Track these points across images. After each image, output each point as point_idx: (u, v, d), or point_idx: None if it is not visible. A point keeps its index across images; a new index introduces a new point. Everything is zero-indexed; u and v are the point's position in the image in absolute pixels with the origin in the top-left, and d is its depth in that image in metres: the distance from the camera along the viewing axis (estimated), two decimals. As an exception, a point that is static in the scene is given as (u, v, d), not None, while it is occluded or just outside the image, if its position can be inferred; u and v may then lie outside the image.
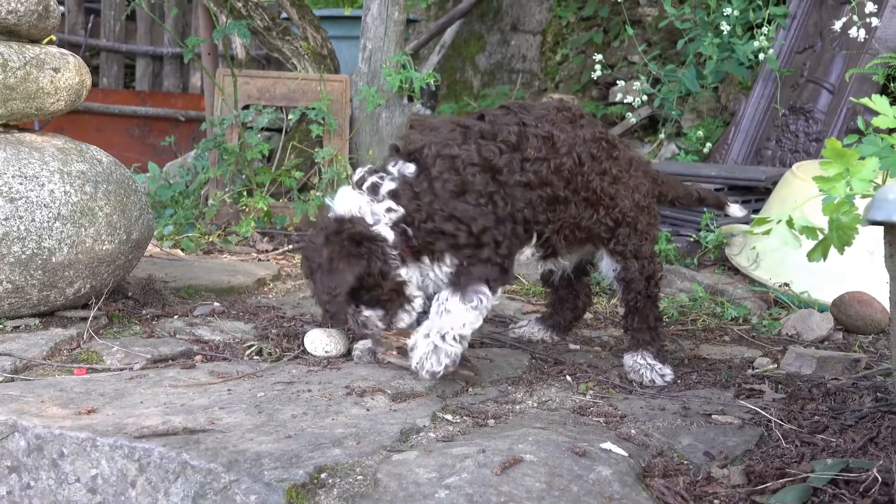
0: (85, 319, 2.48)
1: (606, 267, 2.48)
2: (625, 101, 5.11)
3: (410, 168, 2.17)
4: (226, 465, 1.61)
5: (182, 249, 3.87)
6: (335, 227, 2.15)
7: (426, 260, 2.19)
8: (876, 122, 1.59)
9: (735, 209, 2.83)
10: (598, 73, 5.19)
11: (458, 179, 2.14)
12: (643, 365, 2.43)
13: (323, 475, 1.61)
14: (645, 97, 5.00)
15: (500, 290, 2.23)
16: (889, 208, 1.13)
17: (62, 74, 2.51)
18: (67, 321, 2.50)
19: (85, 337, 2.40)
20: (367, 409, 2.00)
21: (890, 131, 1.62)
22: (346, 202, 2.19)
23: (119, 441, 1.68)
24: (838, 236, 1.47)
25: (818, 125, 4.46)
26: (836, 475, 1.72)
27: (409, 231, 2.15)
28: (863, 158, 1.49)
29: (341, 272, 2.13)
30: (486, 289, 2.17)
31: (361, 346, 2.34)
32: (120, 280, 2.67)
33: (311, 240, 2.23)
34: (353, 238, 2.13)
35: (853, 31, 4.20)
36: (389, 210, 2.15)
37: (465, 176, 2.14)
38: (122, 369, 2.22)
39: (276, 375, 2.22)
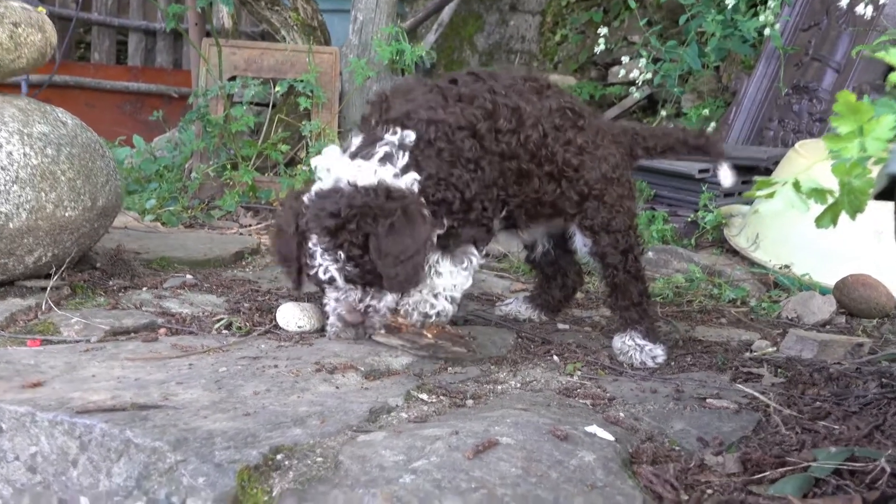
0: (46, 290, 2.33)
1: (579, 242, 2.37)
2: (629, 76, 4.94)
3: (411, 136, 2.04)
4: (173, 443, 1.46)
5: (163, 223, 3.72)
6: (385, 190, 1.96)
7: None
8: (893, 77, 1.43)
9: (726, 171, 2.63)
10: (602, 47, 5.04)
11: (451, 147, 2.06)
12: (632, 346, 2.30)
13: (279, 456, 1.46)
14: (648, 74, 4.84)
15: (484, 249, 2.21)
16: (914, 158, 0.98)
17: (23, 30, 2.35)
18: (27, 291, 2.35)
19: (44, 308, 2.25)
20: (337, 387, 1.86)
21: (907, 88, 1.46)
22: (367, 173, 1.99)
23: (59, 416, 1.53)
24: (850, 201, 1.32)
25: (822, 105, 4.30)
26: (840, 465, 1.57)
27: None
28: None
29: (417, 232, 1.95)
30: (473, 249, 2.15)
31: (334, 320, 2.18)
32: (86, 250, 2.51)
33: (352, 213, 1.94)
34: (417, 204, 1.98)
35: (860, 8, 4.03)
36: (413, 183, 2.01)
37: (456, 142, 2.06)
38: (78, 341, 2.07)
39: (244, 350, 2.07)
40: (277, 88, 4.35)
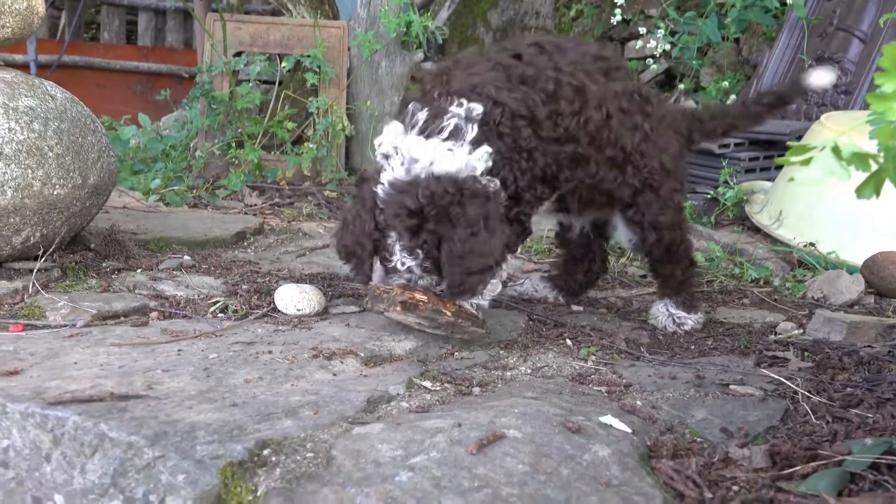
0: (33, 272, 2.22)
1: (623, 235, 2.29)
2: (646, 47, 4.77)
3: (478, 109, 1.89)
4: (151, 438, 1.34)
5: (166, 203, 3.60)
6: (463, 188, 1.83)
7: None
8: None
9: (819, 74, 2.34)
10: (618, 17, 4.88)
11: (512, 133, 1.93)
12: (663, 313, 2.32)
13: (266, 451, 1.34)
14: (666, 47, 4.66)
15: (519, 248, 2.14)
16: None
17: (6, -2, 2.22)
18: (14, 273, 2.23)
19: (31, 290, 2.14)
20: (334, 374, 1.73)
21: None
22: (440, 154, 1.85)
23: (31, 408, 1.42)
24: (895, 167, 1.17)
25: (848, 76, 4.10)
26: (878, 458, 1.43)
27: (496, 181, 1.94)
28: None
29: (495, 239, 1.86)
30: (507, 254, 1.99)
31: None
32: (77, 229, 2.40)
33: (432, 203, 1.81)
34: (496, 198, 1.88)
35: (889, -27, 3.83)
36: (482, 159, 1.89)
37: (515, 129, 1.93)
38: (63, 326, 1.95)
39: (238, 335, 1.95)
40: (284, 64, 4.20)
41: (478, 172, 1.88)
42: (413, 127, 1.90)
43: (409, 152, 1.86)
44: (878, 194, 1.20)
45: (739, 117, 2.44)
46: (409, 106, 1.97)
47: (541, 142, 1.98)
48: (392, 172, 1.87)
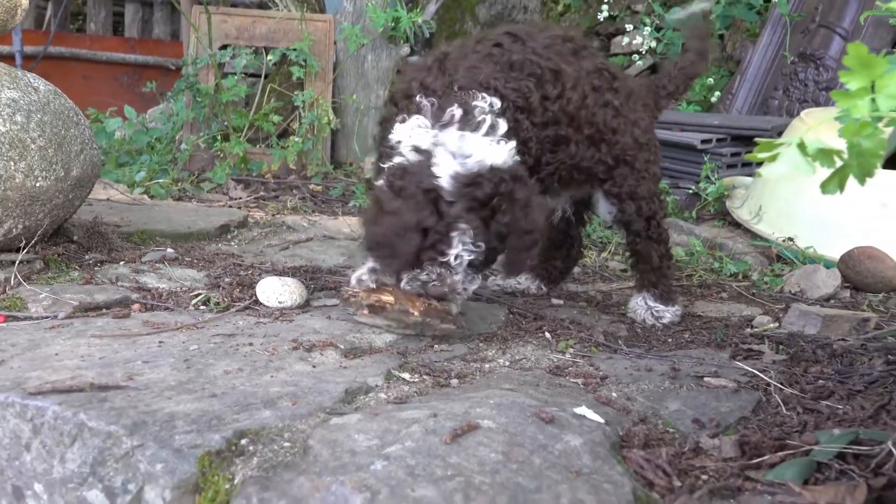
0: (15, 263, 2.23)
1: (603, 209, 2.33)
2: (632, 44, 4.81)
3: (497, 103, 1.95)
4: (130, 427, 1.36)
5: (151, 196, 3.61)
6: (511, 176, 1.88)
7: None
8: (908, 29, 1.31)
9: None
10: (605, 13, 4.92)
11: (515, 125, 1.98)
12: (641, 306, 2.35)
13: (243, 441, 1.35)
14: (652, 43, 4.70)
15: None
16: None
17: (-12, -10, 2.22)
18: (-4, 265, 2.24)
19: (12, 282, 2.15)
20: (314, 366, 1.75)
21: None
22: (489, 150, 1.89)
23: (10, 398, 1.43)
24: (859, 164, 1.20)
25: (829, 73, 4.14)
26: (844, 448, 1.46)
27: None
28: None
29: (540, 214, 1.95)
30: None
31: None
32: (60, 222, 2.40)
33: (496, 192, 1.86)
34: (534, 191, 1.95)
35: (870, -29, 3.87)
36: (513, 152, 1.93)
37: (517, 121, 1.99)
38: (45, 318, 1.96)
39: (219, 327, 1.97)
40: (270, 57, 4.21)
41: (511, 161, 1.92)
42: (448, 123, 1.91)
43: (461, 148, 1.88)
44: (841, 190, 1.22)
45: (690, 63, 2.50)
46: (421, 100, 1.95)
47: (534, 128, 2.03)
48: (447, 166, 1.85)
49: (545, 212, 1.99)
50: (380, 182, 1.95)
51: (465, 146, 1.88)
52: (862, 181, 1.22)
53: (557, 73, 2.07)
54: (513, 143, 1.93)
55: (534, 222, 1.91)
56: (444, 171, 1.85)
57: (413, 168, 1.88)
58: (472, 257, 1.88)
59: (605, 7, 4.97)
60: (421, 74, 2.03)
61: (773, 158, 1.20)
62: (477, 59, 2.03)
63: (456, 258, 1.87)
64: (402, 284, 1.93)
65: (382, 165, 1.96)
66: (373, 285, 1.99)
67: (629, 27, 4.88)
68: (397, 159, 1.90)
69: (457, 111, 1.92)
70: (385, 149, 1.99)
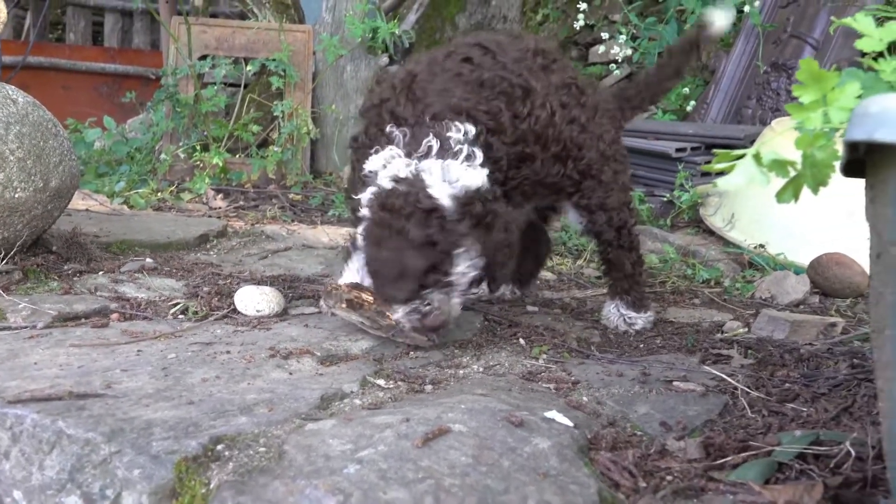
0: (-4, 274, 2.25)
1: (574, 219, 2.38)
2: (609, 53, 4.88)
3: (472, 130, 1.99)
4: (107, 434, 1.39)
5: (130, 206, 3.63)
6: (497, 194, 2.01)
7: None
8: (860, 44, 1.36)
9: (719, 15, 2.46)
10: (581, 23, 4.99)
11: (485, 147, 2.02)
12: (614, 313, 2.39)
13: (219, 447, 1.39)
14: (629, 51, 4.77)
15: None
16: (870, 124, 0.91)
17: (-33, 3, 2.24)
18: (-25, 276, 2.26)
19: (-9, 293, 2.17)
20: (290, 373, 1.78)
21: (875, 57, 1.39)
22: (468, 174, 1.95)
23: (-10, 406, 1.46)
24: (812, 174, 1.25)
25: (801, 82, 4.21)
26: (805, 448, 1.51)
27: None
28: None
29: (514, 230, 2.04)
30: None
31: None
32: (39, 233, 2.42)
33: (493, 216, 1.96)
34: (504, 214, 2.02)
35: (839, -17, 3.96)
36: (486, 174, 2.00)
37: (488, 143, 2.03)
38: (24, 327, 1.98)
39: (197, 336, 1.99)
40: (249, 68, 4.25)
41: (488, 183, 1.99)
42: (426, 154, 1.95)
43: (446, 174, 1.93)
44: (796, 199, 1.27)
45: (661, 78, 2.52)
46: (392, 130, 1.99)
47: (503, 146, 2.06)
48: (442, 188, 1.91)
49: (519, 227, 2.06)
50: (364, 211, 1.96)
51: (448, 173, 1.93)
52: (815, 190, 1.27)
53: (527, 90, 2.09)
54: (486, 168, 1.98)
55: (512, 237, 2.01)
56: (441, 193, 1.90)
57: (405, 192, 1.90)
58: (473, 273, 1.94)
59: (581, 16, 5.04)
60: (390, 104, 2.04)
61: (729, 169, 1.25)
62: (446, 80, 2.04)
63: (462, 275, 1.93)
64: (401, 317, 1.95)
65: (356, 197, 2.00)
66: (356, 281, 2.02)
67: (605, 35, 4.95)
68: (379, 187, 1.94)
69: (434, 143, 1.95)
70: (360, 176, 2.02)
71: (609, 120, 2.33)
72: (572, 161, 2.20)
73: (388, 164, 1.95)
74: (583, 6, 5.08)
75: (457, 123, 1.97)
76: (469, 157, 1.96)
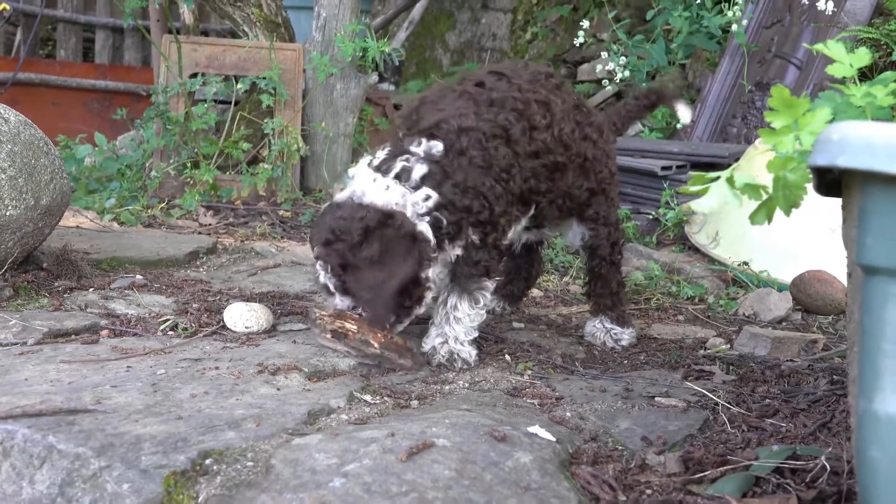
0: (-14, 291, 2.27)
1: (574, 234, 2.43)
2: (606, 69, 4.97)
3: (438, 146, 2.00)
4: (97, 449, 1.42)
5: (121, 223, 3.65)
6: (379, 218, 1.92)
7: (447, 245, 2.03)
8: (831, 69, 1.42)
9: (683, 109, 2.77)
10: (581, 40, 5.09)
11: (484, 154, 2.03)
12: (600, 329, 2.43)
13: (208, 461, 1.42)
14: (624, 72, 4.86)
15: (495, 281, 2.19)
16: (833, 150, 0.95)
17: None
18: (-34, 292, 2.29)
19: (-18, 309, 2.19)
20: (278, 389, 1.81)
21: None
22: (380, 190, 1.95)
23: (-19, 422, 1.48)
24: (784, 196, 1.30)
25: (785, 102, 4.29)
26: (782, 463, 1.55)
27: (443, 219, 1.98)
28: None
29: (395, 270, 1.93)
30: (487, 282, 2.13)
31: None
32: (30, 250, 2.45)
33: (341, 229, 1.93)
34: (406, 236, 1.93)
35: (822, 4, 4.04)
36: (427, 198, 1.97)
37: (489, 150, 2.04)
38: (14, 343, 2.01)
39: (187, 352, 2.02)
40: (239, 86, 4.28)
41: (420, 212, 1.96)
42: (370, 163, 2.03)
43: (355, 184, 1.99)
44: (769, 221, 1.32)
45: (635, 108, 2.68)
46: (385, 145, 2.07)
47: (517, 158, 2.09)
48: (339, 194, 2.01)
49: (409, 272, 1.99)
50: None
51: (358, 177, 2.01)
52: (788, 212, 1.32)
53: (546, 104, 2.17)
54: (425, 191, 1.96)
55: (372, 281, 2.00)
56: (336, 196, 2.01)
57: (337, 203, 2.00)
58: (327, 279, 1.99)
59: (581, 33, 5.14)
60: (398, 121, 2.16)
61: (703, 192, 1.30)
62: (450, 100, 2.10)
63: (320, 279, 2.00)
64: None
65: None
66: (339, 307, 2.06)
67: (604, 55, 5.03)
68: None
69: (380, 152, 2.04)
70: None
71: (612, 141, 2.46)
72: (594, 174, 2.30)
73: (349, 174, 2.05)
74: (585, 24, 5.19)
75: (425, 139, 2.00)
76: (401, 175, 1.97)
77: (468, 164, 2.01)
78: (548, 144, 2.16)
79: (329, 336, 2.02)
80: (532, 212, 2.24)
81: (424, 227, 1.96)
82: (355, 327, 1.99)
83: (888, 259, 1.00)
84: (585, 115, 2.31)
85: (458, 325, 2.10)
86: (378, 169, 2.00)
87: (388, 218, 1.93)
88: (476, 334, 2.14)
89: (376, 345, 1.98)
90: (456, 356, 2.09)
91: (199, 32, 4.68)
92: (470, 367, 2.09)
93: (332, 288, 2.00)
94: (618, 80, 4.96)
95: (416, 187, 1.97)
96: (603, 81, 5.22)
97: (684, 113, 2.74)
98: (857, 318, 1.18)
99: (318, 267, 2.00)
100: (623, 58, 4.90)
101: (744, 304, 2.87)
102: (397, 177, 1.97)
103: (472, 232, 2.04)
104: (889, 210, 0.97)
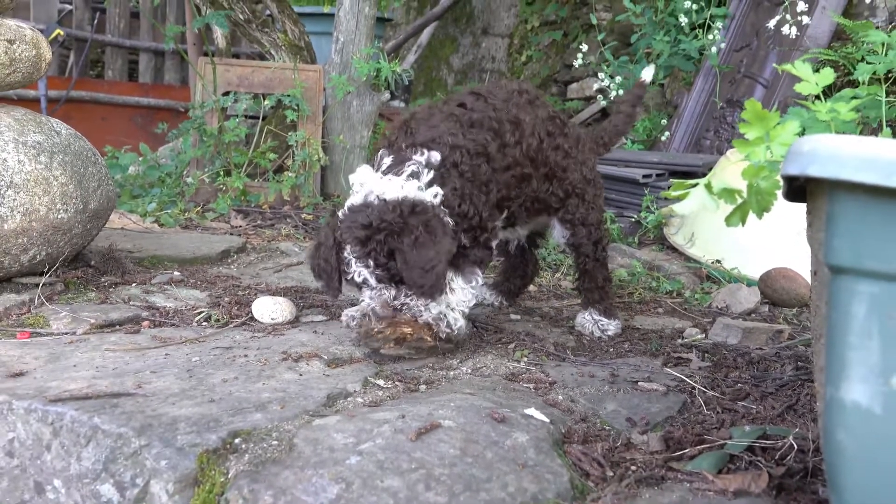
0: (39, 286, 2.25)
1: (558, 234, 2.40)
2: (594, 88, 4.95)
3: (437, 156, 1.98)
4: (138, 429, 1.39)
5: (160, 224, 3.63)
6: (411, 207, 1.87)
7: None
8: (798, 87, 1.39)
9: (646, 71, 2.70)
10: (580, 61, 5.06)
11: (472, 168, 2.02)
12: (588, 321, 2.40)
13: (237, 440, 1.39)
14: (620, 91, 4.83)
15: (485, 270, 2.15)
16: (804, 160, 0.93)
17: (17, 46, 2.26)
18: (21, 287, 2.27)
19: (36, 302, 2.17)
20: (300, 374, 1.79)
21: (813, 100, 1.41)
22: (398, 188, 1.91)
23: (34, 405, 1.46)
24: (757, 201, 1.27)
25: (753, 117, 4.25)
26: (753, 442, 1.53)
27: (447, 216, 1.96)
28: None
29: (440, 248, 1.86)
30: (478, 270, 2.10)
31: (353, 311, 2.07)
32: (79, 249, 2.43)
33: (379, 222, 1.85)
34: (439, 217, 1.89)
35: (786, 29, 4.00)
36: (436, 195, 1.94)
37: (474, 166, 2.03)
38: (65, 333, 1.99)
39: (219, 341, 2.00)
40: (267, 102, 4.26)
41: (435, 201, 1.92)
42: (378, 169, 1.99)
43: (369, 186, 1.93)
44: (743, 223, 1.30)
45: (621, 122, 2.61)
46: (379, 153, 2.05)
47: (494, 173, 2.08)
48: (352, 199, 1.95)
49: (447, 245, 1.94)
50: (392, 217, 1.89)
51: (375, 185, 1.93)
52: (760, 216, 1.29)
53: (516, 123, 2.14)
54: (436, 189, 1.93)
55: (426, 256, 1.91)
56: (347, 203, 1.95)
57: (335, 209, 2.00)
58: (368, 272, 1.91)
59: (580, 56, 5.11)
60: (393, 132, 2.11)
61: (684, 196, 1.27)
62: (440, 119, 2.07)
63: (359, 275, 1.92)
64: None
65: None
66: (387, 313, 1.95)
67: (601, 76, 5.00)
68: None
69: (387, 160, 1.99)
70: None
71: (589, 150, 2.41)
72: (557, 181, 2.27)
73: (354, 180, 2.00)
74: (584, 47, 5.17)
75: (425, 150, 1.98)
76: (412, 177, 1.93)
77: (459, 175, 2.00)
78: (517, 159, 2.14)
79: (392, 345, 1.94)
80: (504, 214, 2.22)
81: (438, 203, 1.94)
82: (410, 329, 1.93)
83: (854, 260, 0.97)
84: (559, 125, 2.28)
85: (451, 294, 2.06)
86: (387, 173, 1.97)
87: (417, 206, 1.89)
88: (467, 310, 2.08)
89: (429, 338, 1.95)
90: (442, 316, 2.02)
91: (231, 55, 4.67)
92: (452, 331, 2.01)
93: (372, 282, 1.90)
94: (612, 97, 4.93)
95: (427, 186, 1.95)
96: (598, 97, 5.20)
97: (647, 73, 2.67)
98: (823, 312, 1.15)
99: (355, 265, 1.89)
100: (618, 79, 4.87)
101: (717, 297, 2.84)
102: (409, 178, 1.95)
103: (465, 236, 2.03)
104: (855, 215, 0.94)
